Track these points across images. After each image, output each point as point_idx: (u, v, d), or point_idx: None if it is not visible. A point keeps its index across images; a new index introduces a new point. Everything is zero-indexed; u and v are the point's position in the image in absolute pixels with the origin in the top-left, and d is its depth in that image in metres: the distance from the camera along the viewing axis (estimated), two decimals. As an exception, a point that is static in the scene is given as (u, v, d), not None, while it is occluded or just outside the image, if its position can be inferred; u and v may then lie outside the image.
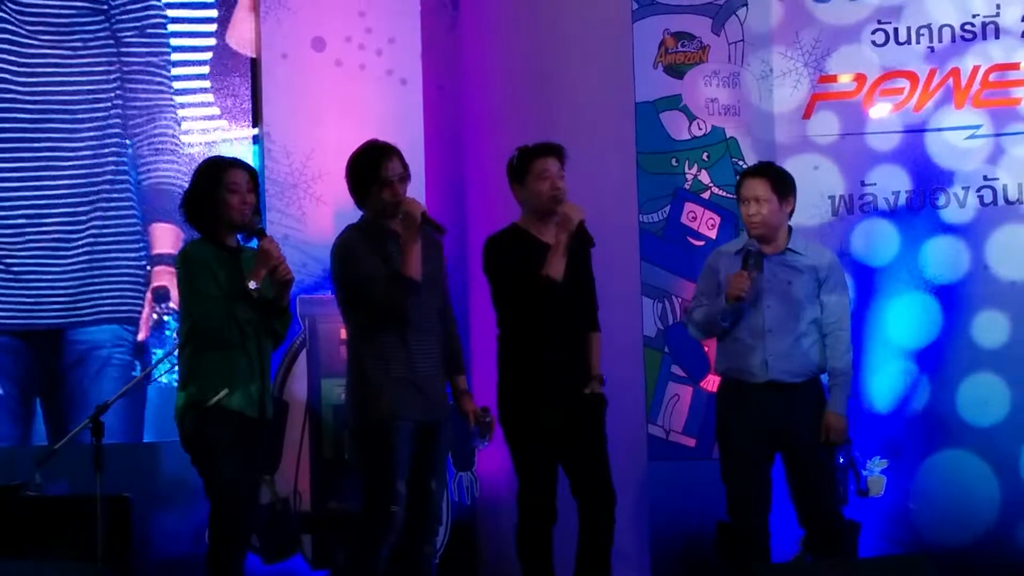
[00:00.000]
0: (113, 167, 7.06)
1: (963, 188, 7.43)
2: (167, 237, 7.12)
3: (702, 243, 7.47)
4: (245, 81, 7.50)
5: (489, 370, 6.48)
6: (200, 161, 6.11)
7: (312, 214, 7.24)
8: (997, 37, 7.40)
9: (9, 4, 6.95)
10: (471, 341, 7.08)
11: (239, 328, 5.61)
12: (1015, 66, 7.47)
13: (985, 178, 7.41)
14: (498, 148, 7.07)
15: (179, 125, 7.22)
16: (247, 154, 7.05)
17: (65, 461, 6.46)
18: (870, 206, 7.55)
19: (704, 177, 7.56)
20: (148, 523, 6.86)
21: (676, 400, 7.52)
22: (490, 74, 7.70)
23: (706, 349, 7.21)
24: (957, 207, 7.44)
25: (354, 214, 6.04)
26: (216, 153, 6.85)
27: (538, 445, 6.07)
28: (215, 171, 5.70)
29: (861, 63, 7.55)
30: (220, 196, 5.58)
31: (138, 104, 7.14)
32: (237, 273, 5.60)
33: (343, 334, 6.37)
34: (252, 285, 5.56)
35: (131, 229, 7.13)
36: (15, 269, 6.99)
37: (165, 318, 7.11)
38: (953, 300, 7.50)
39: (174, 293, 6.86)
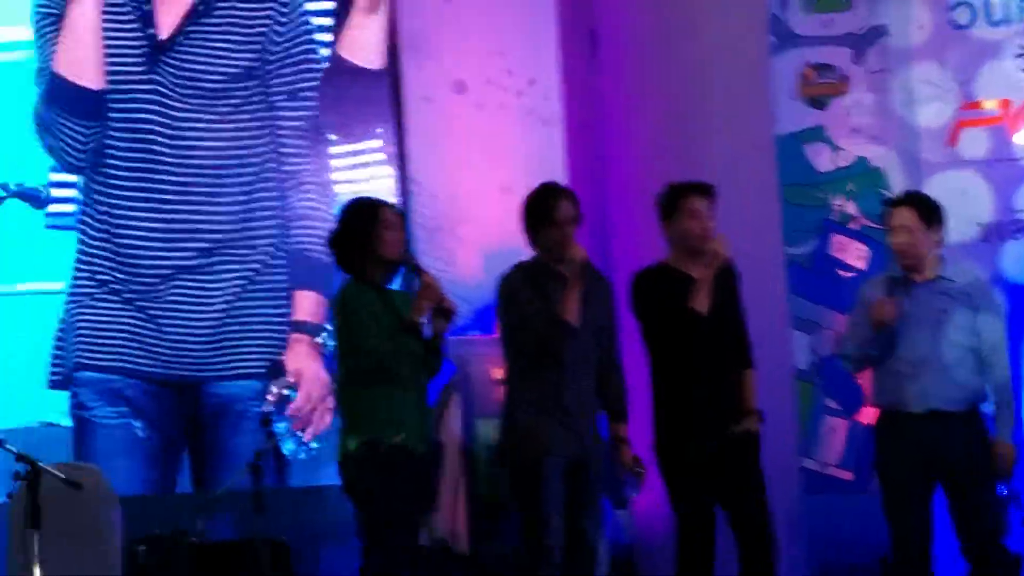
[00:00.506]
0: (259, 229, 7.18)
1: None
2: (309, 305, 7.23)
3: (852, 274, 7.47)
4: (389, 125, 7.60)
5: (639, 405, 6.36)
6: (347, 202, 6.19)
7: (459, 256, 7.29)
8: None
9: (164, 67, 7.10)
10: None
11: (408, 363, 5.63)
12: None
13: None
14: (641, 185, 7.09)
15: (327, 188, 7.34)
16: (392, 197, 7.14)
17: (219, 506, 6.62)
18: (1022, 232, 7.56)
19: (851, 208, 7.59)
20: (305, 566, 6.85)
21: (831, 433, 7.50)
22: (630, 112, 7.69)
23: (860, 382, 7.00)
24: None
25: (501, 255, 6.26)
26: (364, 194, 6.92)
27: (688, 480, 6.05)
28: (368, 209, 5.77)
29: (1006, 88, 7.54)
30: (375, 233, 5.60)
31: (287, 168, 7.27)
32: (394, 310, 5.63)
33: (495, 374, 6.46)
34: (419, 319, 5.60)
35: (274, 290, 7.25)
36: (159, 320, 7.11)
37: (285, 392, 7.18)
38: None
39: (293, 367, 7.09)
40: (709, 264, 6.06)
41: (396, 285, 6.04)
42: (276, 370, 7.27)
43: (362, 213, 5.77)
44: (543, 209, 6.00)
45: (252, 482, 6.18)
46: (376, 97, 7.57)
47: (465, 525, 7.07)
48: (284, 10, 7.37)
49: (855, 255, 7.62)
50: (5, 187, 7.00)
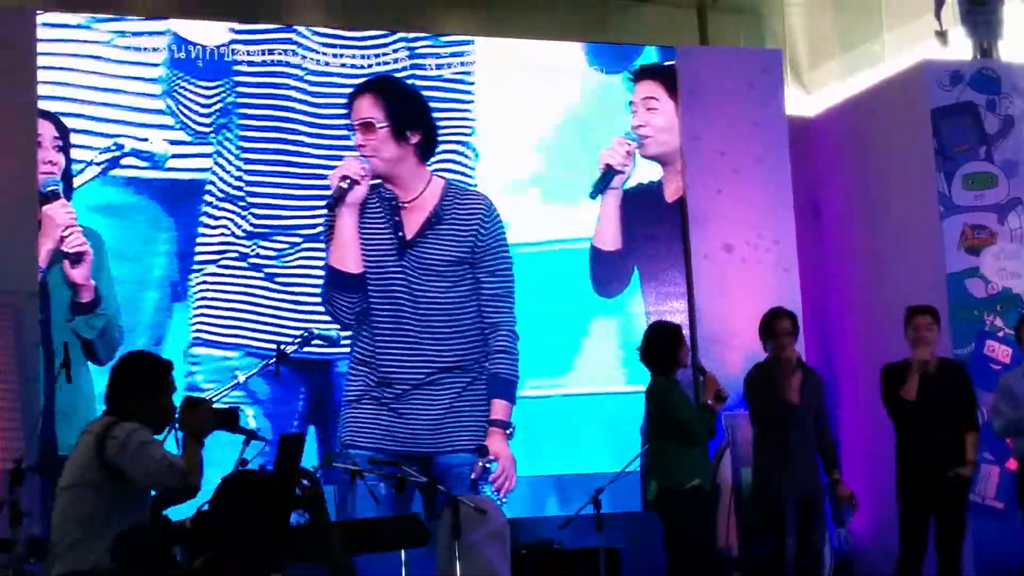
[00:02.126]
0: (471, 358, 7.98)
1: None
2: (501, 409, 7.95)
3: (999, 367, 8.03)
4: (681, 276, 8.68)
5: (855, 459, 7.60)
6: (654, 324, 7.15)
7: (728, 358, 8.14)
8: None
9: (411, 255, 7.95)
10: (840, 444, 7.81)
11: (700, 432, 6.60)
12: None
13: None
14: (853, 310, 8.37)
15: (513, 331, 8.08)
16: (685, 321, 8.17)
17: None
18: None
19: (998, 322, 8.18)
20: (633, 568, 7.65)
21: (988, 476, 7.95)
22: (843, 260, 8.95)
23: (1008, 439, 7.50)
24: None
25: (756, 357, 7.16)
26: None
27: (902, 508, 6.95)
28: (675, 330, 6.84)
29: None
30: (677, 348, 6.68)
31: (489, 320, 8.07)
32: (685, 398, 6.66)
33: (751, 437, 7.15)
34: (710, 402, 6.56)
35: (479, 398, 8.03)
36: (405, 416, 7.94)
37: (488, 465, 7.80)
38: None
39: (492, 449, 7.80)
40: (916, 367, 6.84)
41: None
42: (481, 450, 7.93)
43: (669, 334, 6.80)
44: (768, 327, 6.95)
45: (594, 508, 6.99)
46: (675, 255, 8.68)
47: (734, 538, 7.90)
48: (487, 219, 8.11)
49: (1002, 354, 8.11)
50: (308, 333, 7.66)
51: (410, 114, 8.09)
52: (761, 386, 6.92)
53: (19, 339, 7.16)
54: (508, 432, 7.89)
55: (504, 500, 7.64)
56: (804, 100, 9.49)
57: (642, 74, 8.72)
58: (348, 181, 7.85)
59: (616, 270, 8.59)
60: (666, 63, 8.79)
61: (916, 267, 8.33)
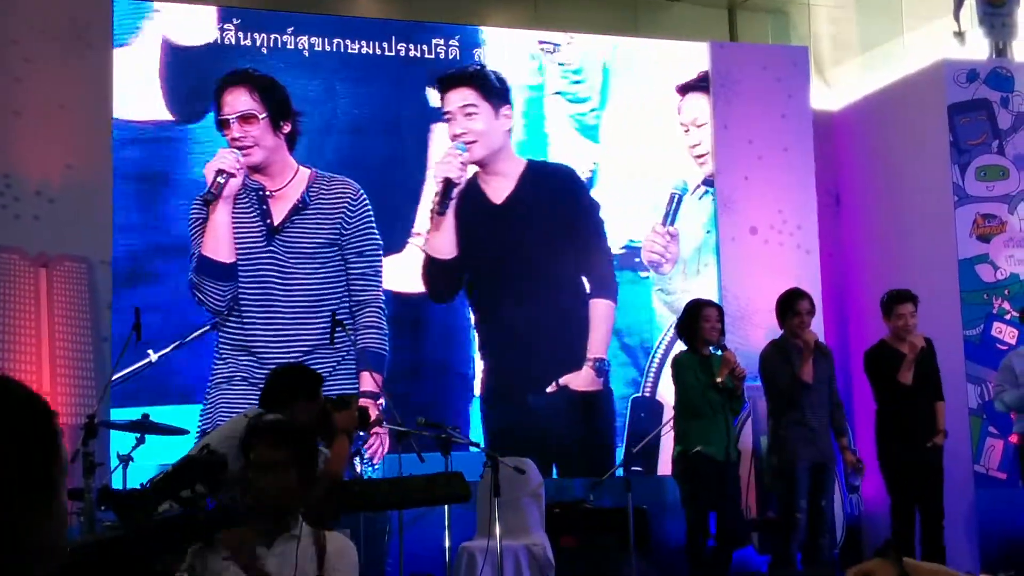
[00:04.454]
0: (340, 336, 7.44)
1: None
2: (368, 381, 7.64)
3: (1006, 347, 8.07)
4: (712, 259, 8.62)
5: (865, 429, 7.56)
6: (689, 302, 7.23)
7: (751, 335, 8.19)
8: None
9: (279, 241, 7.74)
10: (854, 414, 8.03)
11: (710, 405, 6.75)
12: None
13: None
14: (867, 292, 8.34)
15: (384, 310, 7.82)
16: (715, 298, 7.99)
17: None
18: None
19: (1006, 305, 8.21)
20: (656, 527, 7.73)
21: (992, 449, 8.07)
22: (861, 245, 9.00)
23: (1012, 415, 7.68)
24: None
25: (776, 334, 7.21)
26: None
27: (900, 477, 7.07)
28: (697, 308, 7.02)
29: None
30: (699, 323, 6.87)
31: (357, 297, 7.83)
32: (709, 371, 6.81)
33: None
34: (719, 379, 6.76)
35: (348, 372, 7.72)
36: (259, 355, 7.57)
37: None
38: None
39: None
40: (910, 349, 7.01)
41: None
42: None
43: (692, 311, 6.98)
44: (788, 305, 7.01)
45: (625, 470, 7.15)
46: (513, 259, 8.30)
47: (754, 501, 7.98)
48: (354, 203, 7.87)
49: (1009, 335, 8.16)
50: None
51: (283, 105, 7.86)
52: (774, 364, 6.98)
53: (93, 301, 7.26)
54: (378, 403, 7.45)
55: (377, 466, 7.39)
56: (827, 95, 9.51)
57: (451, 82, 8.28)
58: (224, 175, 7.63)
59: (452, 275, 8.23)
60: (472, 68, 8.39)
61: (929, 253, 8.40)
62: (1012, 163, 8.39)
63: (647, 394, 8.44)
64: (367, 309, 7.80)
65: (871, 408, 7.36)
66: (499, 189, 8.35)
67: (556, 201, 8.43)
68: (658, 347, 8.48)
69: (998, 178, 8.35)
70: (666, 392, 8.10)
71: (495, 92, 8.38)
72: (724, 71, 8.77)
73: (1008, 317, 8.24)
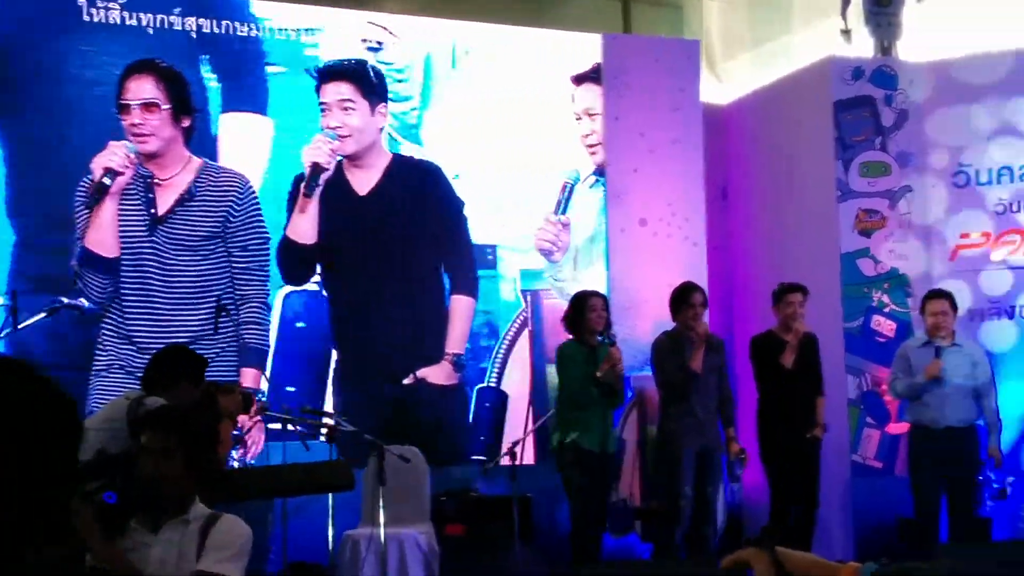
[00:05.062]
0: (220, 328, 7.52)
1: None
2: (251, 377, 7.50)
3: (885, 340, 8.15)
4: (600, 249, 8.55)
5: (748, 417, 7.58)
6: (575, 294, 7.32)
7: (639, 325, 8.17)
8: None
9: (161, 232, 7.54)
10: (738, 404, 7.72)
11: (590, 397, 6.83)
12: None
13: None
14: (755, 285, 8.41)
15: (265, 303, 7.68)
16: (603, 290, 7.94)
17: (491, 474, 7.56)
18: (995, 316, 8.24)
19: (885, 299, 8.31)
20: (541, 515, 7.66)
21: (869, 439, 8.14)
22: (747, 238, 9.08)
23: (888, 406, 8.00)
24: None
25: (664, 325, 7.29)
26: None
27: (780, 465, 7.22)
28: (582, 298, 7.06)
29: (985, 225, 8.41)
30: (585, 314, 6.90)
31: (241, 292, 7.66)
32: (593, 362, 6.81)
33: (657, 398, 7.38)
34: (598, 374, 6.84)
35: (228, 367, 7.55)
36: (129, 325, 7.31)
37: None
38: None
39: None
40: (794, 336, 7.21)
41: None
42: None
43: (578, 302, 7.04)
44: (683, 298, 7.10)
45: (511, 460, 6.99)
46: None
47: (638, 489, 7.94)
48: (241, 195, 7.72)
49: (887, 328, 8.23)
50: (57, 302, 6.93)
51: (185, 99, 7.71)
52: (666, 354, 7.11)
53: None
54: (258, 399, 7.21)
55: (252, 462, 7.31)
56: (718, 89, 9.54)
57: (329, 75, 8.13)
58: (111, 174, 7.38)
59: (308, 260, 8.08)
60: (348, 62, 8.21)
61: (813, 246, 8.48)
62: (894, 160, 8.46)
63: (493, 383, 8.39)
64: (250, 304, 7.67)
65: (754, 398, 7.45)
66: (364, 180, 8.24)
67: (419, 196, 8.34)
68: (504, 338, 8.42)
69: (880, 174, 8.42)
70: (511, 383, 8.27)
71: (374, 89, 8.26)
72: (617, 63, 8.73)
73: (888, 310, 8.35)
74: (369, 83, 8.24)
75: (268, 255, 7.79)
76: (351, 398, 7.94)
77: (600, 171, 8.70)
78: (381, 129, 8.29)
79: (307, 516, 6.82)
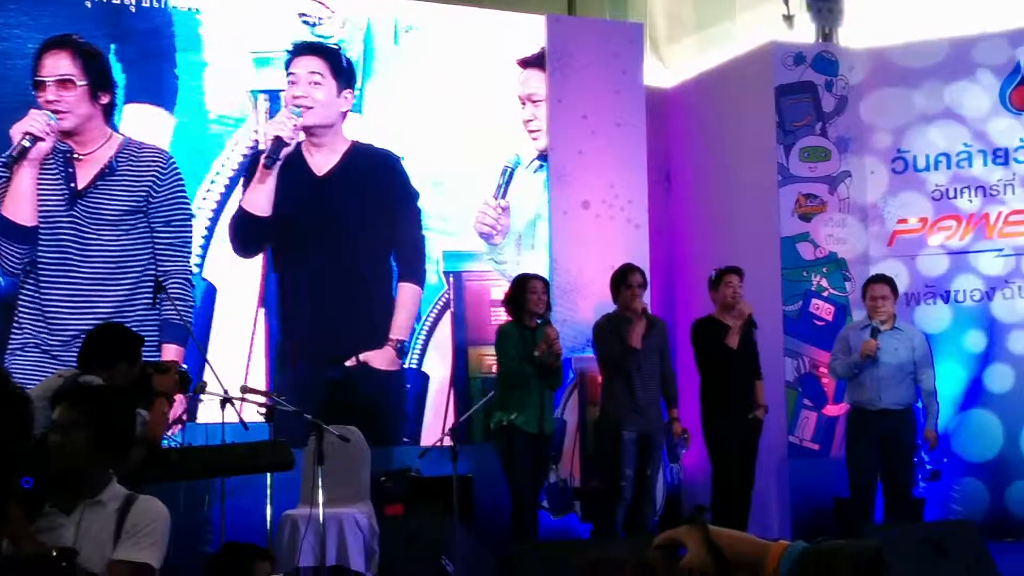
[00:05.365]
0: (141, 304, 7.43)
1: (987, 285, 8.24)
2: (172, 353, 7.43)
3: (823, 323, 8.30)
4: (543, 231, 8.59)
5: (690, 399, 7.54)
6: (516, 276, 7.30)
7: (581, 306, 8.25)
8: (1014, 192, 8.30)
9: (80, 206, 7.45)
10: (680, 383, 7.72)
11: (525, 377, 6.84)
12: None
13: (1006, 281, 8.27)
14: (696, 268, 8.46)
15: (191, 283, 7.62)
16: (545, 272, 8.08)
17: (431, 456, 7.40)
18: (930, 300, 8.42)
19: (824, 283, 8.42)
20: (481, 495, 7.61)
21: (806, 420, 8.27)
22: (689, 221, 9.11)
23: (826, 389, 8.09)
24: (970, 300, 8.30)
25: (606, 307, 7.26)
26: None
27: (721, 446, 7.27)
28: (522, 281, 7.04)
29: (924, 211, 8.55)
30: (525, 296, 6.91)
31: (163, 267, 7.59)
32: (531, 343, 6.83)
33: (599, 379, 7.39)
34: (536, 353, 6.86)
35: (151, 340, 7.27)
36: (65, 360, 7.00)
37: None
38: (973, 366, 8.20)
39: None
40: (737, 317, 7.27)
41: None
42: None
43: (519, 284, 7.01)
44: (621, 279, 7.07)
45: (452, 442, 6.91)
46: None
47: (578, 470, 8.02)
48: (164, 170, 7.63)
49: (825, 312, 8.36)
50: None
51: (104, 76, 7.58)
52: (607, 334, 7.06)
53: None
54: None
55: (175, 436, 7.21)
56: (662, 72, 9.53)
57: (303, 50, 8.11)
58: (31, 138, 7.29)
59: (260, 234, 8.04)
60: (327, 43, 8.19)
61: (754, 230, 8.55)
62: (834, 145, 8.55)
63: (414, 365, 8.36)
64: (172, 280, 7.56)
65: (695, 380, 7.45)
66: (323, 162, 8.20)
67: (376, 184, 8.30)
68: (424, 320, 8.39)
69: (820, 159, 8.51)
70: (431, 365, 8.25)
71: (343, 73, 8.25)
72: (560, 45, 8.71)
73: (826, 294, 8.46)
74: (340, 66, 8.27)
75: (191, 231, 7.71)
76: (292, 378, 7.90)
77: (543, 156, 8.67)
78: (344, 114, 8.26)
79: (245, 496, 6.73)
